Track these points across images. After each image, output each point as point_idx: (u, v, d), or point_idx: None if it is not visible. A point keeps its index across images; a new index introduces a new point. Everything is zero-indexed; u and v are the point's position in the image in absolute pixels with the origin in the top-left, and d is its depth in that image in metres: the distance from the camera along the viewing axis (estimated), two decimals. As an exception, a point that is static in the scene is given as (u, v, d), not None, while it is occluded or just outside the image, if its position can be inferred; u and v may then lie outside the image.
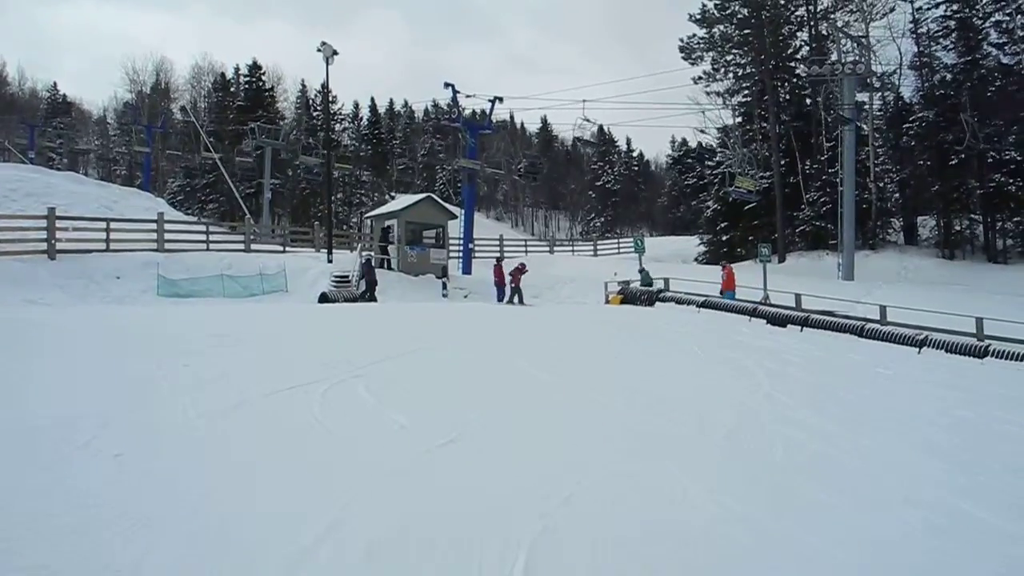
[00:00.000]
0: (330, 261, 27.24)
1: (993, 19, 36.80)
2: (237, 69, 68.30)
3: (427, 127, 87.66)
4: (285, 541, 4.20)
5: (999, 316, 18.48)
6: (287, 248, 31.05)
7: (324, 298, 22.38)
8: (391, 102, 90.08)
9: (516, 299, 22.55)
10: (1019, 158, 33.91)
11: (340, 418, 7.04)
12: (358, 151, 74.67)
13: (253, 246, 29.15)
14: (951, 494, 6.24)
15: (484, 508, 4.94)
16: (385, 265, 28.56)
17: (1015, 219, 34.96)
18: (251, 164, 53.62)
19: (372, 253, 26.73)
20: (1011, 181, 33.59)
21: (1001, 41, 36.76)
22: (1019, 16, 36.12)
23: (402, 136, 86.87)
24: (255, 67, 65.36)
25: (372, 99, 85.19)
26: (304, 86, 71.55)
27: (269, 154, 50.19)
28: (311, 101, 70.51)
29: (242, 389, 7.81)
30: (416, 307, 19.53)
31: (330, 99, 55.42)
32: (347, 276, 24.97)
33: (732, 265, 26.25)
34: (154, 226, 24.99)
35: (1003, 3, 36.31)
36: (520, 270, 23.65)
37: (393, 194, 62.65)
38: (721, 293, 22.69)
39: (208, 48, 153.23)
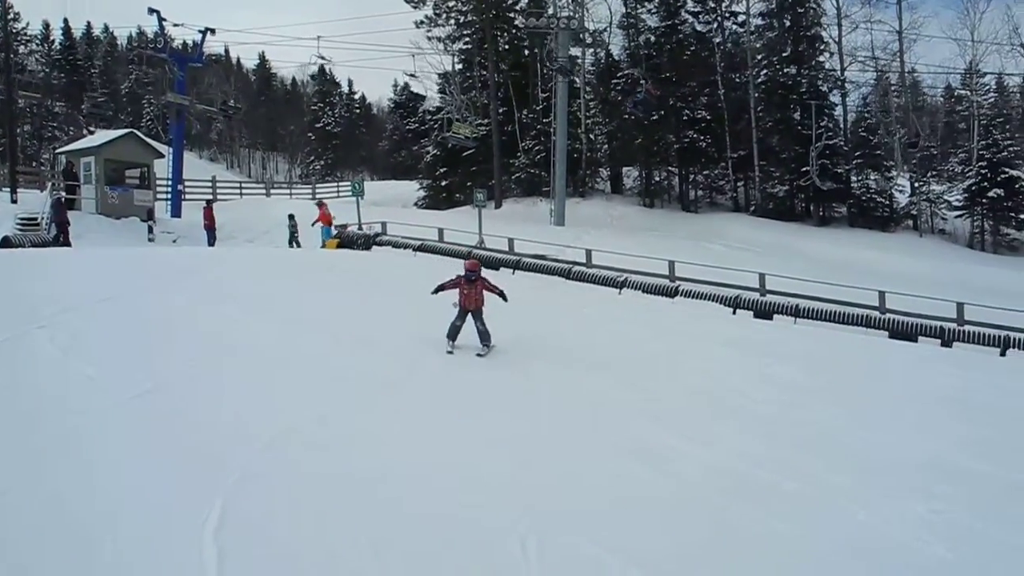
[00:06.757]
0: (14, 202, 24.49)
1: (690, -11, 39.93)
2: None
3: (131, 57, 79.26)
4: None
5: (688, 259, 20.18)
6: (-41, 187, 27.04)
7: (7, 243, 19.63)
8: (89, 25, 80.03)
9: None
10: (708, 118, 37.43)
11: (18, 372, 6.36)
12: (49, 78, 66.10)
13: (-87, 183, 25.24)
14: (642, 425, 6.62)
15: (180, 460, 4.70)
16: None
17: (704, 172, 39.08)
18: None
19: (62, 192, 23.87)
20: (702, 138, 37.05)
21: (696, 10, 40.06)
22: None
23: (102, 65, 77.95)
24: (-92, -34, 55.26)
25: (65, 20, 74.88)
26: (-23, -3, 61.75)
27: (-68, 75, 42.73)
28: (-13, 16, 61.08)
29: None
30: (116, 252, 17.54)
31: (10, 15, 48.35)
32: (36, 218, 22.40)
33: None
34: None
35: (698, -25, 39.57)
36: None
37: (92, 128, 56.39)
38: (316, 225, 23.14)
39: None
